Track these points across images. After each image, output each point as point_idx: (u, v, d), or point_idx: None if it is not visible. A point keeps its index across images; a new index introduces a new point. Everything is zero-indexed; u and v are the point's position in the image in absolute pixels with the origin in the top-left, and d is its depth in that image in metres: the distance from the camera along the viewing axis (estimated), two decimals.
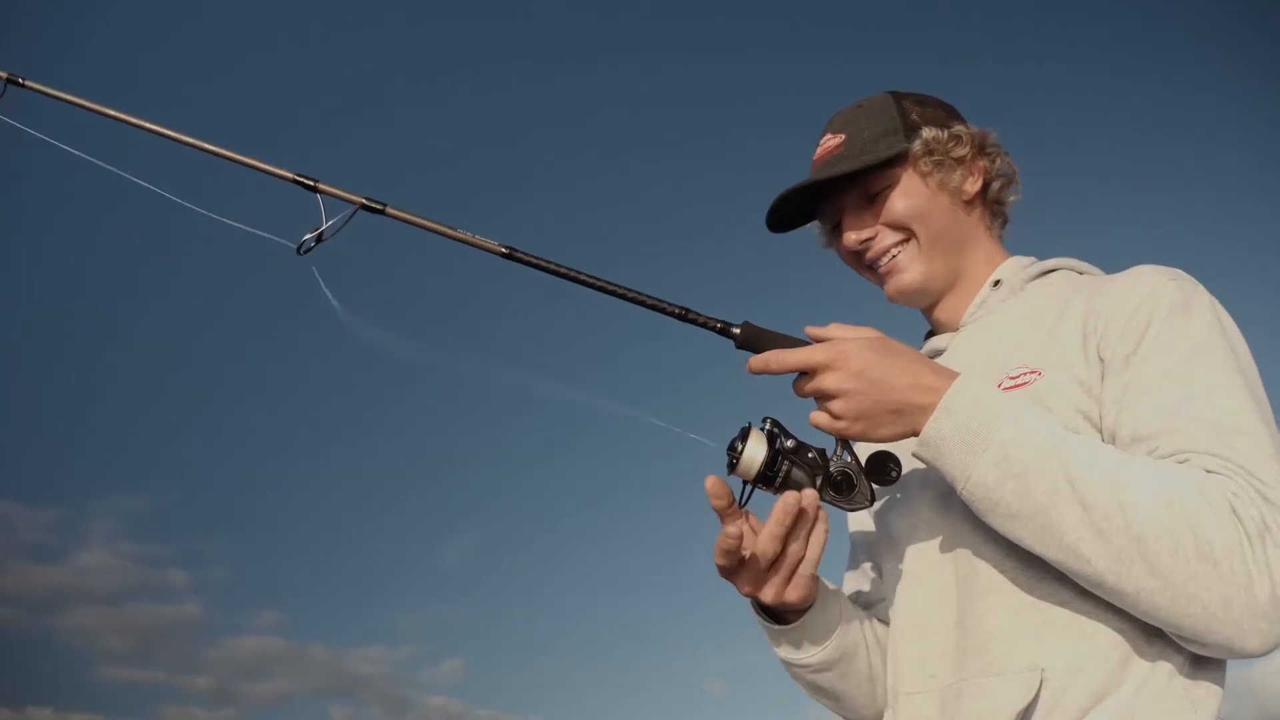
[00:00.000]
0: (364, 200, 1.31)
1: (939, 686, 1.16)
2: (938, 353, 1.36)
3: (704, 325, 1.18)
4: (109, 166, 1.44)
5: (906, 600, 1.25)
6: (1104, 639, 1.06)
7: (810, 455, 1.12)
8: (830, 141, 1.35)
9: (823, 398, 1.08)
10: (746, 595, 1.18)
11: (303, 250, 1.32)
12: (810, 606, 1.21)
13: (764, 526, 1.10)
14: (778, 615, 1.23)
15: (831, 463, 1.12)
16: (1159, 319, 1.10)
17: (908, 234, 1.32)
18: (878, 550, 1.37)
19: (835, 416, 1.08)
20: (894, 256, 1.33)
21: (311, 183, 1.34)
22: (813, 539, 1.11)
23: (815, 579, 1.18)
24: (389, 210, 1.30)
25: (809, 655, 1.24)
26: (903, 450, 1.12)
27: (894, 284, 1.34)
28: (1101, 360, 1.12)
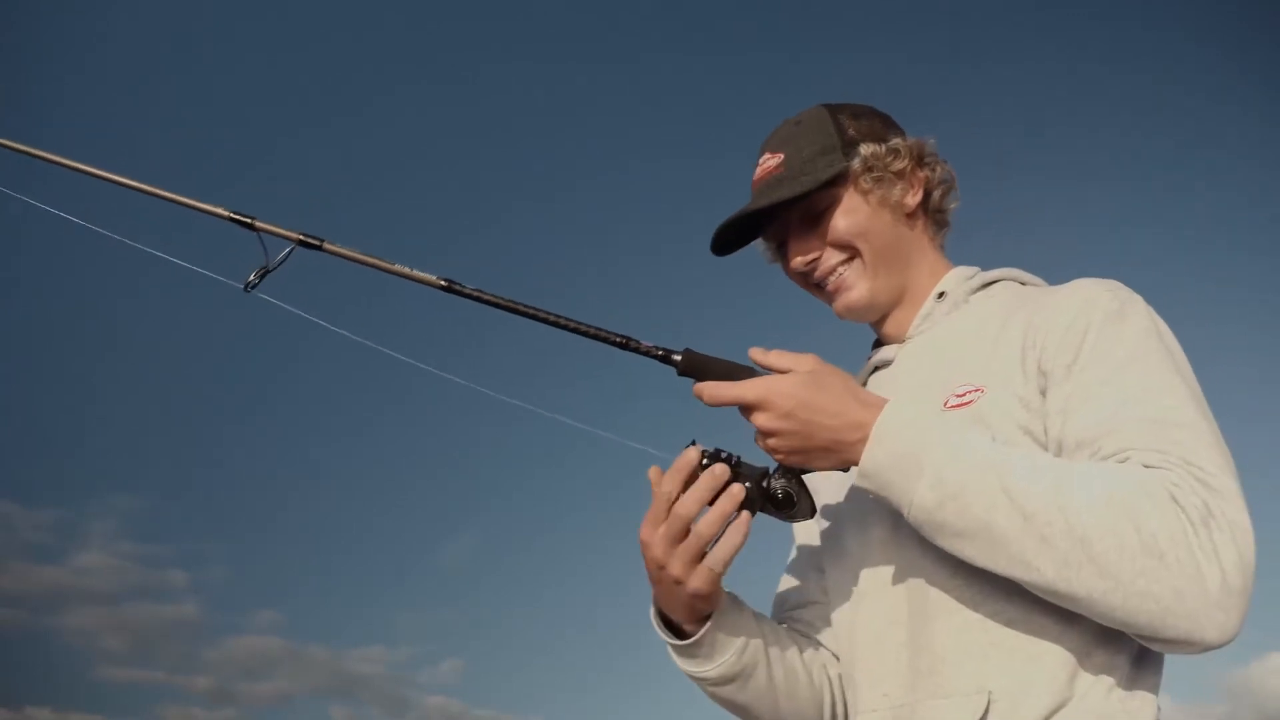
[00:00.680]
0: (300, 236, 1.30)
1: (891, 705, 1.17)
2: (885, 363, 1.37)
3: (646, 354, 1.18)
4: (56, 211, 1.42)
5: (862, 620, 1.25)
6: (1051, 658, 1.06)
7: (753, 472, 1.14)
8: (769, 161, 1.35)
9: (759, 432, 1.10)
10: (654, 571, 1.16)
11: (248, 288, 1.32)
12: (710, 619, 1.21)
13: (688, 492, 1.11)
14: (678, 630, 1.24)
15: (773, 479, 1.14)
16: (1095, 328, 1.10)
17: (852, 252, 1.32)
18: (828, 565, 1.37)
19: (772, 450, 1.10)
20: (840, 275, 1.33)
21: (248, 220, 1.33)
22: (727, 534, 1.10)
23: (719, 590, 1.18)
24: (326, 246, 1.29)
25: (706, 669, 1.24)
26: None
27: (842, 302, 1.35)
28: (1043, 373, 1.13)
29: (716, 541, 1.11)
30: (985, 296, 1.33)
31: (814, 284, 1.37)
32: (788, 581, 1.48)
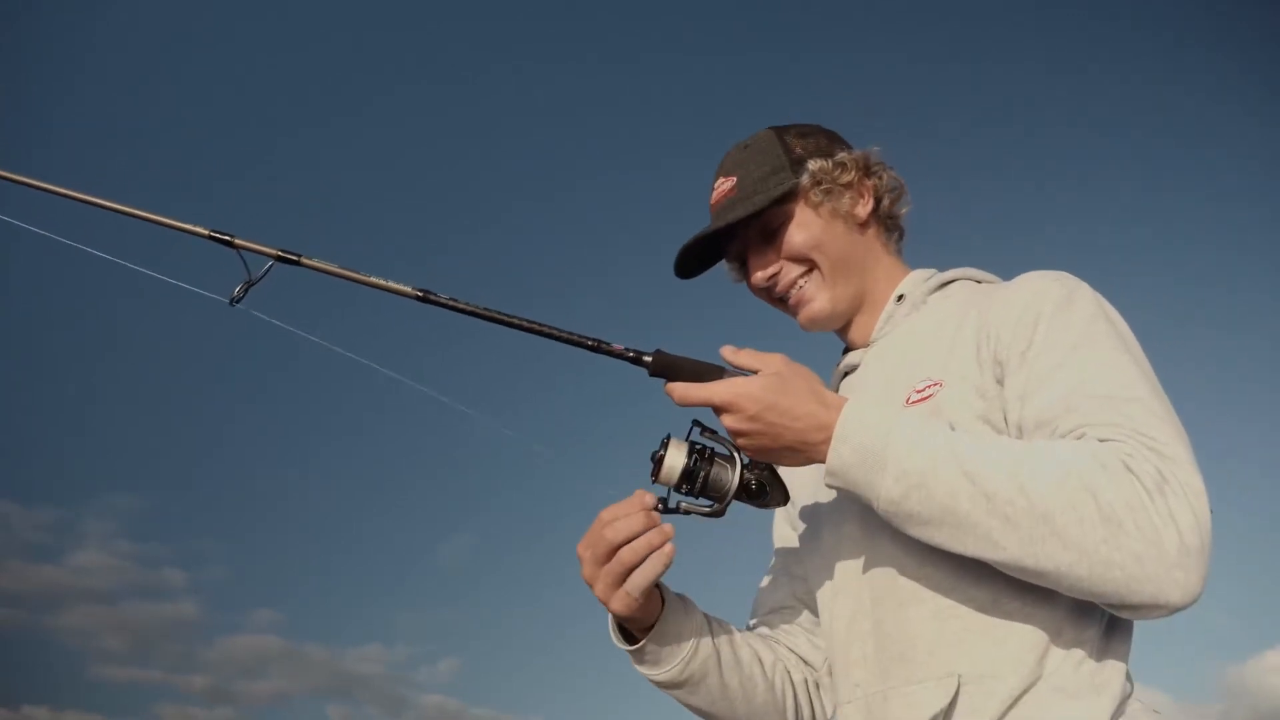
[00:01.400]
0: (279, 252, 1.33)
1: (864, 695, 1.19)
2: (853, 368, 1.42)
3: (617, 356, 1.21)
4: (50, 233, 1.45)
5: (835, 613, 1.28)
6: (1019, 639, 1.10)
7: (730, 457, 1.17)
8: (724, 185, 1.41)
9: (729, 431, 1.14)
10: (589, 585, 1.18)
11: (234, 302, 1.34)
12: (653, 627, 1.24)
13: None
14: (629, 634, 1.27)
15: (746, 471, 1.18)
16: (1045, 317, 1.15)
17: (810, 264, 1.38)
18: (808, 563, 1.40)
19: (743, 449, 1.15)
20: (801, 288, 1.38)
21: (228, 238, 1.36)
22: (648, 562, 1.13)
23: (654, 605, 1.22)
24: (304, 260, 1.32)
25: (655, 673, 1.27)
26: None
27: (805, 314, 1.40)
28: (998, 363, 1.17)
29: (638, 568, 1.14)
30: (943, 296, 1.38)
31: (777, 298, 1.42)
32: (764, 584, 1.51)
